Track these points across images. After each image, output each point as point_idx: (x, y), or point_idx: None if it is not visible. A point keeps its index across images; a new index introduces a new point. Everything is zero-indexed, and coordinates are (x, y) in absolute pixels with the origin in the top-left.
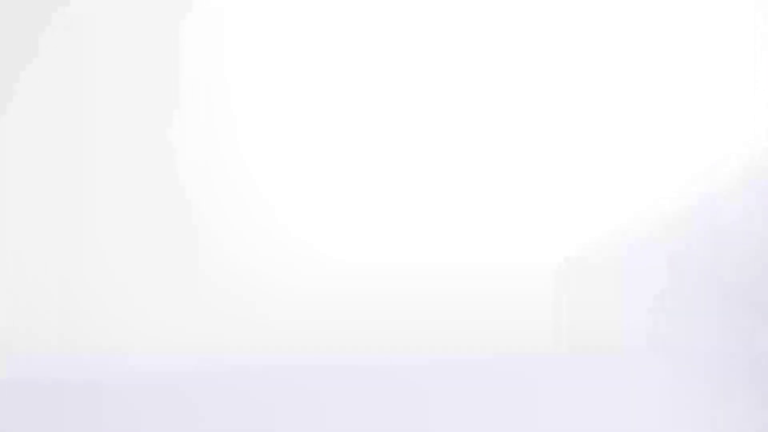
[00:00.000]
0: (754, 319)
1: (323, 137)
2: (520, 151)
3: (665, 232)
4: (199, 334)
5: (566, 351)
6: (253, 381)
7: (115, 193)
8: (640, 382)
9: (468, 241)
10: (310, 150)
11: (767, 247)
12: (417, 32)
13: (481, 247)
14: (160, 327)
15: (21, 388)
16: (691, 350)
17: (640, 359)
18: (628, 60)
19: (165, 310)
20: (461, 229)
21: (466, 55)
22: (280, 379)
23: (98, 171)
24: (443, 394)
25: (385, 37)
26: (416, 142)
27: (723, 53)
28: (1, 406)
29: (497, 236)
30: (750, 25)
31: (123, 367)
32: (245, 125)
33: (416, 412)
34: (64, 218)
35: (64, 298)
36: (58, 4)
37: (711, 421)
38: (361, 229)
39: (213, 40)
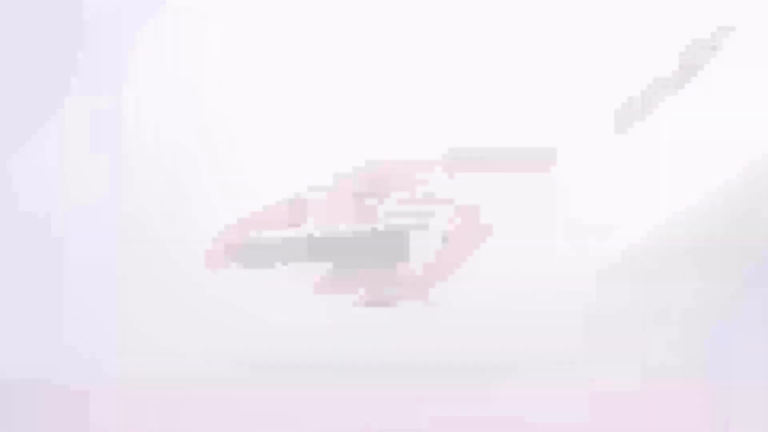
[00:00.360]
0: (753, 319)
1: (324, 138)
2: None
3: (665, 232)
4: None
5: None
6: (253, 381)
7: None
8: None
9: None
10: (311, 151)
11: (766, 247)
12: (417, 32)
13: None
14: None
15: (21, 388)
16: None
17: None
18: (628, 61)
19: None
20: None
21: (465, 57)
22: (279, 379)
23: None
24: (443, 394)
25: (382, 34)
26: (416, 141)
27: (722, 53)
28: (1, 406)
29: None
30: (750, 25)
31: (122, 368)
32: (245, 126)
33: (416, 412)
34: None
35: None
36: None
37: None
38: None
39: (207, 37)
